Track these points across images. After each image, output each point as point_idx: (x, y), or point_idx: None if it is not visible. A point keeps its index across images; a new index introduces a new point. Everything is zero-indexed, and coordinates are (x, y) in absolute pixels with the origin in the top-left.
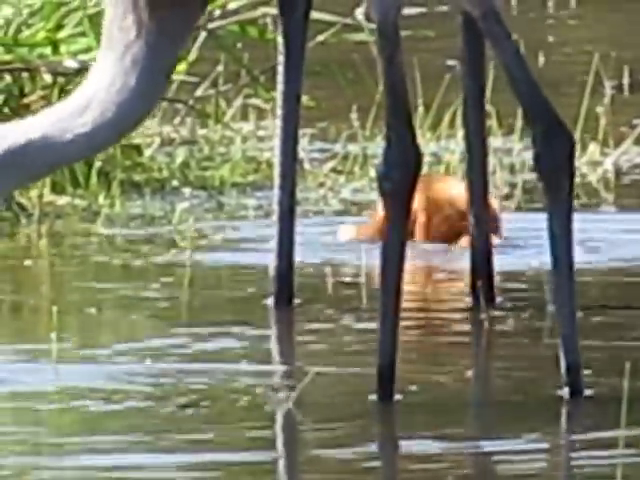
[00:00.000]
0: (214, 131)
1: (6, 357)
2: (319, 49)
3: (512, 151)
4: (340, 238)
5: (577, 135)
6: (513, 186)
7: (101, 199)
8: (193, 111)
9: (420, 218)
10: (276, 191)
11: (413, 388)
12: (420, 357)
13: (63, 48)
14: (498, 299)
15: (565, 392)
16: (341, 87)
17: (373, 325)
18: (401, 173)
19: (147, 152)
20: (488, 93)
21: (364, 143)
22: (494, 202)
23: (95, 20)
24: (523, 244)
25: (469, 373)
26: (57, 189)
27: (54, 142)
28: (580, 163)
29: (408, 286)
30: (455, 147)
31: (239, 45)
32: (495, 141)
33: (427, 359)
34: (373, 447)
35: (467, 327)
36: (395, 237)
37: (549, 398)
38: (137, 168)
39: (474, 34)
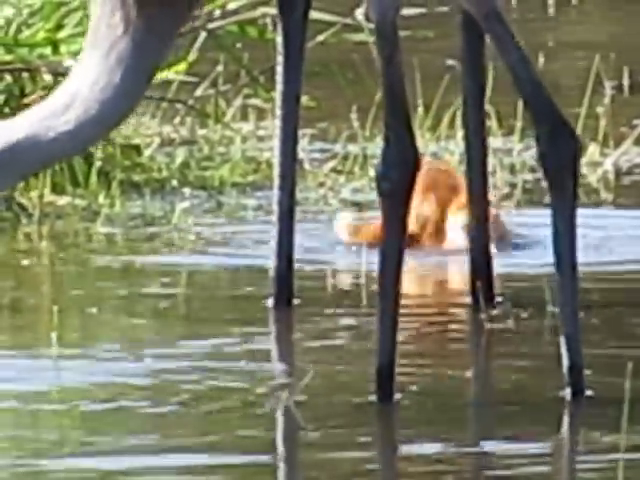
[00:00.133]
0: (214, 131)
1: (6, 357)
2: (319, 49)
3: (512, 151)
4: (338, 233)
5: None
6: (513, 186)
7: (101, 199)
8: (193, 111)
9: (429, 226)
10: (276, 191)
11: (413, 388)
12: (420, 357)
13: (63, 48)
14: (498, 299)
15: (567, 392)
16: (341, 87)
17: (373, 325)
18: (400, 173)
19: (147, 152)
20: (488, 93)
21: (364, 143)
22: (494, 211)
23: None
24: (523, 244)
25: (469, 373)
26: (57, 189)
27: (39, 141)
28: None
29: (407, 286)
30: (455, 148)
31: (239, 45)
32: (495, 141)
33: (427, 359)
34: (373, 448)
35: (467, 327)
36: (394, 237)
37: (549, 398)
38: (137, 168)
39: (474, 34)
